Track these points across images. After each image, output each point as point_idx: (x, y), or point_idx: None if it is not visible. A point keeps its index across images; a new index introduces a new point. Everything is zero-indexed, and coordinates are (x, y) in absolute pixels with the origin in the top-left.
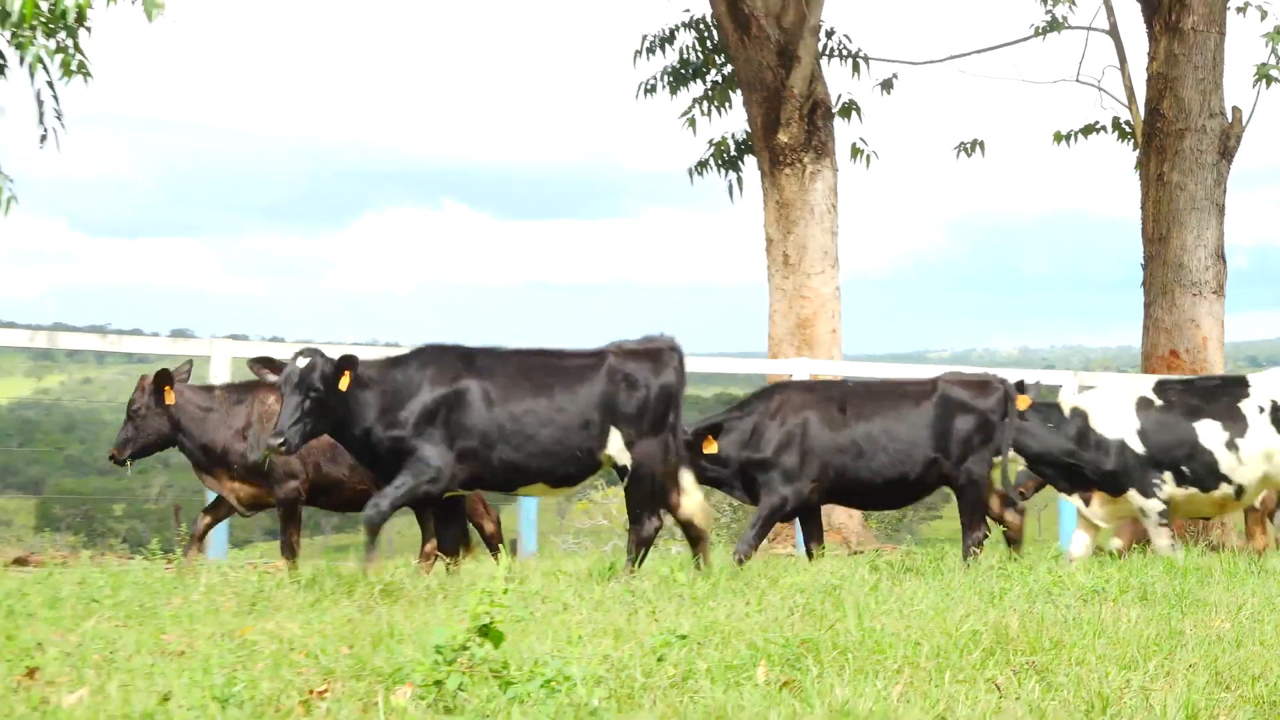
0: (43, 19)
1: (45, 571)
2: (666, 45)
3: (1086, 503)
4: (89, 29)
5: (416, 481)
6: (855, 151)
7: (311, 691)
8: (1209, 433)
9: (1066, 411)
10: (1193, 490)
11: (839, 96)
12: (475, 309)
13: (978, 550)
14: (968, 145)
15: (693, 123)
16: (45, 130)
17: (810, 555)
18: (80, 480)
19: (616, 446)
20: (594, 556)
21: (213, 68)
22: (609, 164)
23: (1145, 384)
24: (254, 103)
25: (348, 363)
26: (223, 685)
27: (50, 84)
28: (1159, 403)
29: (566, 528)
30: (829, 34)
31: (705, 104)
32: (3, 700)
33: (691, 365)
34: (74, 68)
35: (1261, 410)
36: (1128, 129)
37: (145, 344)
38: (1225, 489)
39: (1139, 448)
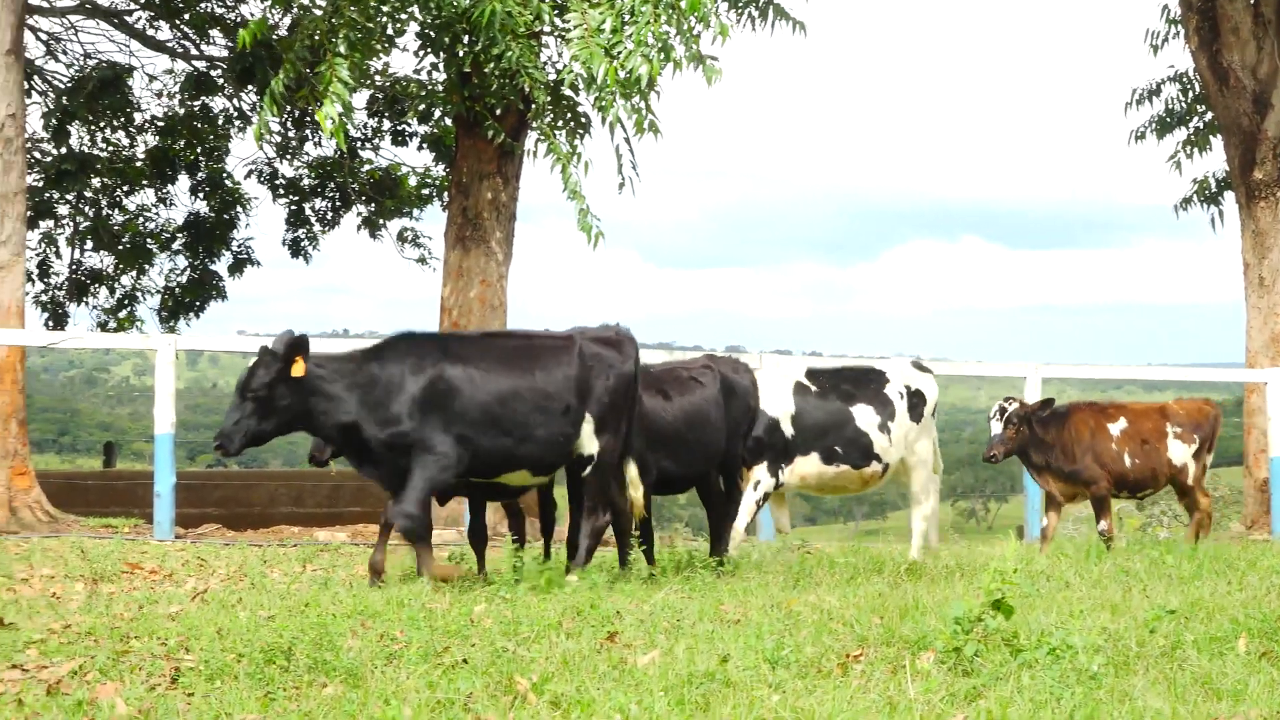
0: (620, 84)
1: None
2: (1153, 97)
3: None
4: (658, 93)
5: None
6: None
7: (848, 655)
8: (864, 416)
9: None
10: (844, 468)
11: None
12: (987, 329)
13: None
14: None
15: (1178, 164)
16: (623, 179)
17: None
18: None
19: (587, 434)
20: (1091, 541)
21: (757, 126)
22: (1104, 200)
23: (798, 369)
24: (793, 156)
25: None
26: (772, 649)
27: (627, 140)
28: (814, 388)
29: (1065, 515)
30: None
31: (1188, 147)
32: (587, 659)
33: (1171, 375)
34: (646, 126)
35: (901, 396)
36: None
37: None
38: (875, 466)
39: (789, 429)
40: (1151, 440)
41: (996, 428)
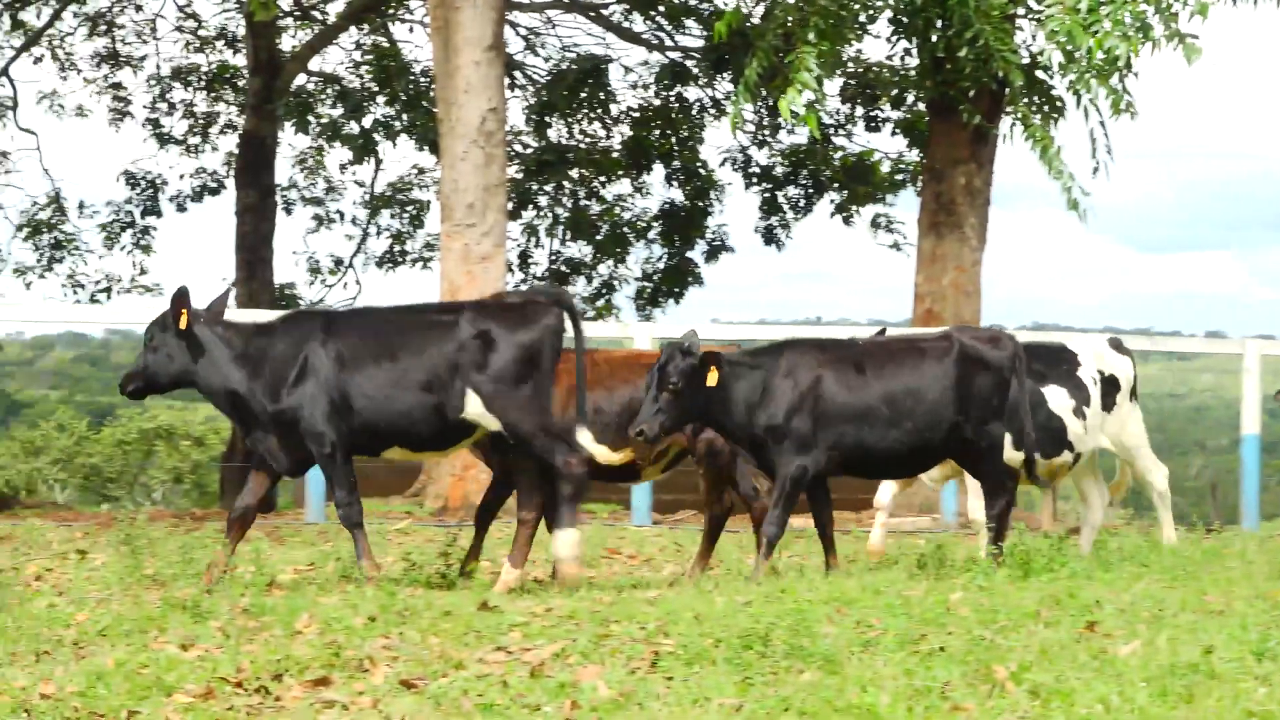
0: (1097, 66)
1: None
2: None
3: None
4: (1135, 73)
5: None
6: None
7: None
8: (1057, 399)
9: None
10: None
11: None
12: None
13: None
14: None
15: None
16: (1097, 163)
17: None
18: None
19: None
20: None
21: (1239, 105)
22: None
23: None
24: (1277, 135)
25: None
26: (1258, 641)
27: (1102, 123)
28: None
29: None
30: None
31: None
32: (1066, 648)
33: None
34: (1122, 107)
35: (1095, 381)
36: None
37: (1184, 344)
38: (1067, 456)
39: None
40: None
41: None
